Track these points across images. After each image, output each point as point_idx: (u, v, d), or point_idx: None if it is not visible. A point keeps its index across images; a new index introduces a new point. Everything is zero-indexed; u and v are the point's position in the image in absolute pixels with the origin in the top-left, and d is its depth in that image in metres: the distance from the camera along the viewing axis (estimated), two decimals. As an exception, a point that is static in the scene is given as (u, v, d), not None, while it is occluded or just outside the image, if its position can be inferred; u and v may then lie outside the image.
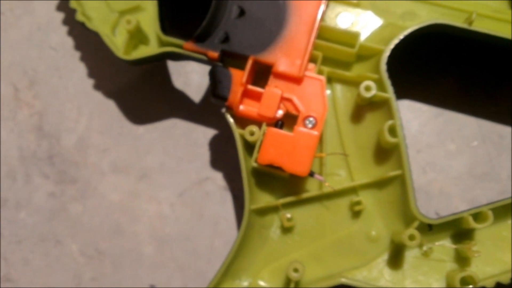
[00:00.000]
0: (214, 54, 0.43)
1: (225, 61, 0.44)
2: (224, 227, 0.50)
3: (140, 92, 0.52)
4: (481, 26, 0.43)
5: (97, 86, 0.53)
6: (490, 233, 0.43)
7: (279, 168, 0.42)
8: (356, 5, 0.46)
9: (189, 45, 0.44)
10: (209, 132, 0.51)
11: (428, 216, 0.48)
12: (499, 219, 0.42)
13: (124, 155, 0.51)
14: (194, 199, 0.50)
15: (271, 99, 0.43)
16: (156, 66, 0.52)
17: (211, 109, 0.51)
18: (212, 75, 0.43)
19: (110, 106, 0.52)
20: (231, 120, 0.44)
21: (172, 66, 0.53)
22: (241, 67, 0.43)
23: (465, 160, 0.50)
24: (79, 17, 0.46)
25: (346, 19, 0.46)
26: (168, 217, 0.50)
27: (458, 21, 0.44)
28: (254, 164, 0.42)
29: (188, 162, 0.51)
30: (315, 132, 0.42)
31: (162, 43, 0.46)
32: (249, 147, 0.44)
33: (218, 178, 0.51)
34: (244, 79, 0.43)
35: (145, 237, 0.50)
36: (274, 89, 0.43)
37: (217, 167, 0.51)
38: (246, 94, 0.43)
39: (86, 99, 0.52)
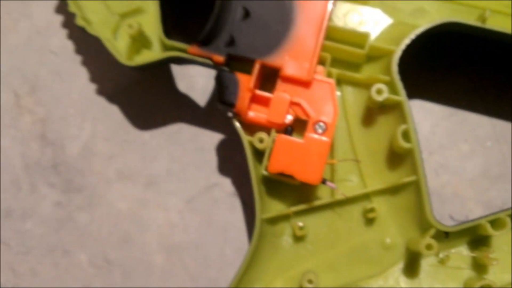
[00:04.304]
0: (220, 58, 0.42)
1: (231, 65, 0.43)
2: (234, 234, 0.49)
3: (144, 96, 0.51)
4: (494, 23, 0.42)
5: (100, 91, 0.51)
6: (507, 238, 0.42)
7: (290, 176, 0.41)
8: (365, 3, 0.44)
9: (193, 49, 0.43)
10: (216, 137, 0.50)
11: (443, 220, 0.47)
12: (517, 224, 0.41)
13: (130, 162, 0.50)
14: (203, 206, 0.49)
15: (280, 104, 0.41)
16: (159, 69, 0.51)
17: (217, 113, 0.50)
18: (219, 80, 0.42)
19: (114, 111, 0.51)
20: (239, 126, 0.42)
21: (176, 69, 0.51)
22: (248, 70, 0.42)
23: (479, 161, 0.48)
24: (79, 21, 0.44)
25: (354, 18, 0.44)
26: (177, 225, 0.49)
27: (469, 18, 0.42)
28: (265, 173, 0.41)
29: (196, 168, 0.50)
30: (326, 139, 0.41)
31: (165, 47, 0.44)
32: (258, 154, 0.43)
33: (226, 184, 0.50)
34: (252, 84, 0.41)
35: (155, 246, 0.49)
36: (282, 94, 0.42)
37: (225, 173, 0.50)
38: (254, 99, 0.42)
39: (89, 104, 0.51)
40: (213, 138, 0.50)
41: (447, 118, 0.49)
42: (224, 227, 0.49)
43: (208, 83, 0.51)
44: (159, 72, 0.51)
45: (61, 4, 0.52)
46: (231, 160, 0.50)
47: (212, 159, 0.50)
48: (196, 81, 0.51)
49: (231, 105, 0.41)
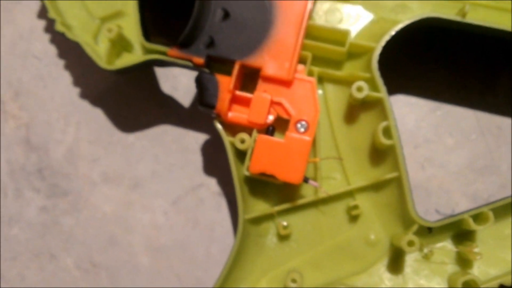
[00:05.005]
0: (200, 60, 0.42)
1: (211, 66, 0.43)
2: (220, 234, 0.49)
3: (128, 98, 0.51)
4: (476, 16, 0.42)
5: (84, 94, 0.51)
6: (492, 232, 0.42)
7: (272, 176, 0.41)
8: (345, 0, 0.44)
9: (173, 51, 0.43)
10: (201, 137, 0.50)
11: (429, 213, 0.48)
12: (501, 217, 0.41)
13: (115, 164, 0.50)
14: (188, 206, 0.49)
15: (261, 104, 0.41)
16: (143, 70, 0.51)
17: (201, 113, 0.49)
18: (199, 82, 0.42)
19: (98, 114, 0.51)
20: (220, 127, 0.42)
21: (159, 69, 0.51)
22: (228, 71, 0.42)
23: (464, 154, 0.48)
24: (59, 27, 0.44)
25: (335, 15, 0.44)
26: (162, 226, 0.49)
27: (451, 12, 0.42)
28: (246, 173, 0.41)
29: (181, 169, 0.50)
30: (307, 138, 0.41)
31: (146, 50, 0.44)
32: (241, 154, 0.43)
33: (211, 184, 0.50)
34: (232, 85, 0.41)
35: (141, 248, 0.49)
36: (263, 94, 0.42)
37: (210, 173, 0.50)
38: (235, 100, 0.42)
39: (73, 108, 0.51)
40: (198, 138, 0.50)
41: (431, 112, 0.49)
42: (210, 227, 0.49)
43: (191, 82, 0.51)
44: (142, 73, 0.51)
45: (43, 9, 0.51)
46: (216, 160, 0.50)
47: (197, 160, 0.50)
48: (179, 81, 0.51)
49: (211, 107, 0.41)
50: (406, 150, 0.45)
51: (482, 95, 0.49)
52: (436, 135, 0.49)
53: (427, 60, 0.50)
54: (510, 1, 0.43)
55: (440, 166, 0.49)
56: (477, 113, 0.49)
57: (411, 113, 0.49)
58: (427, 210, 0.48)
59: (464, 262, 0.42)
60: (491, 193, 0.48)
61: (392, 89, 0.48)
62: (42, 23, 0.52)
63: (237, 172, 0.42)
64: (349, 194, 0.43)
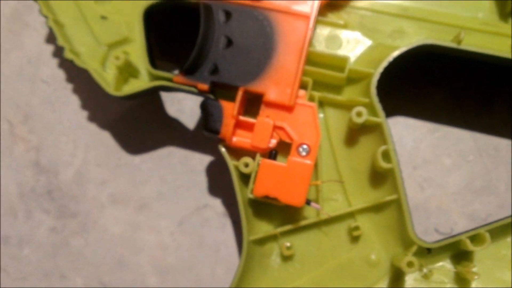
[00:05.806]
0: (204, 86, 0.43)
1: (216, 92, 0.44)
2: (225, 254, 0.50)
3: (135, 121, 0.52)
4: (471, 41, 0.43)
5: (91, 118, 0.53)
6: (489, 252, 0.43)
7: (275, 199, 0.42)
8: (344, 27, 0.46)
9: (179, 78, 0.44)
10: (206, 159, 0.51)
11: (428, 233, 0.49)
12: (498, 237, 0.43)
13: (122, 186, 0.51)
14: (194, 227, 0.51)
15: (264, 129, 0.43)
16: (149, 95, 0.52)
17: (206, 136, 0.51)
18: (204, 108, 0.43)
19: (105, 138, 0.52)
20: (224, 151, 0.44)
21: (165, 93, 0.53)
22: (232, 97, 0.43)
23: (462, 174, 0.50)
24: (67, 54, 0.46)
25: (334, 41, 0.46)
26: (169, 246, 0.50)
27: (447, 37, 0.44)
28: (250, 196, 0.43)
29: (186, 190, 0.51)
30: (309, 162, 0.42)
31: (152, 77, 0.46)
32: (245, 177, 0.44)
33: (216, 204, 0.51)
34: (235, 111, 0.43)
35: (148, 268, 0.50)
36: (266, 119, 0.43)
37: (215, 194, 0.51)
38: (239, 125, 0.44)
39: (81, 131, 0.52)
40: (203, 160, 0.52)
41: (429, 134, 0.51)
42: (215, 247, 0.50)
43: (196, 105, 0.52)
44: (148, 97, 0.53)
45: (51, 33, 0.53)
46: (221, 181, 0.51)
47: (202, 181, 0.51)
48: (184, 104, 0.53)
49: (216, 133, 0.43)
50: (405, 171, 0.47)
51: (478, 116, 0.50)
52: (434, 156, 0.50)
53: (424, 82, 0.51)
54: (504, 26, 0.44)
55: (439, 187, 0.50)
56: (474, 134, 0.50)
57: (410, 135, 0.51)
58: (427, 229, 0.49)
59: (462, 281, 0.43)
60: (489, 213, 0.49)
61: (391, 111, 0.49)
62: (50, 48, 0.54)
63: (241, 194, 0.43)
64: (350, 215, 0.45)
